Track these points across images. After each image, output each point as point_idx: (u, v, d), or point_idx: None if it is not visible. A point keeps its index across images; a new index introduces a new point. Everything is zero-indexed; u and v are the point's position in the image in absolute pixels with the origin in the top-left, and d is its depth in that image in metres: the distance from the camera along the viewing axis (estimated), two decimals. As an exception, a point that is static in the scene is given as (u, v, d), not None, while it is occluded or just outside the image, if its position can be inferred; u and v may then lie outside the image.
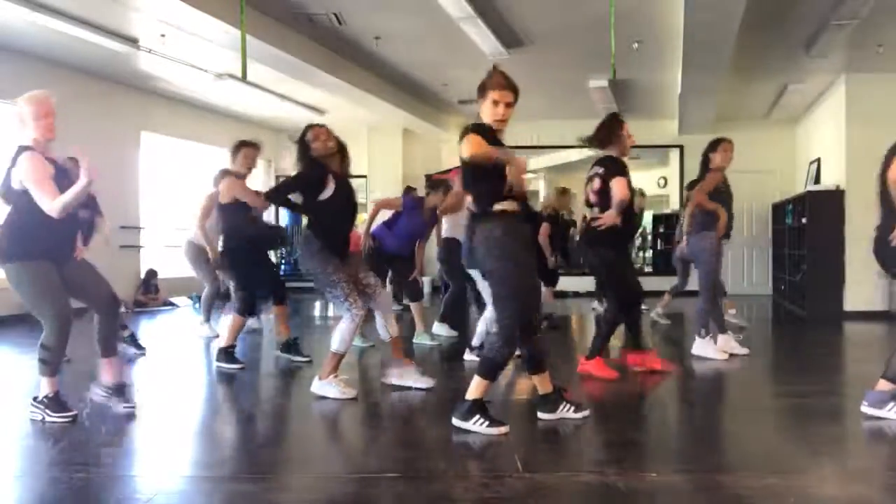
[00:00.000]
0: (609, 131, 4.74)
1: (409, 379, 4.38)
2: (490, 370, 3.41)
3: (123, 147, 9.36)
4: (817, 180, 9.85)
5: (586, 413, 3.62)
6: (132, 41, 7.37)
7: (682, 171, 12.05)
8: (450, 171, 12.21)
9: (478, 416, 3.40)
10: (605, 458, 3.12)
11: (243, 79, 6.15)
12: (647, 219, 12.19)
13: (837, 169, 8.95)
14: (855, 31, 6.69)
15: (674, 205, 12.37)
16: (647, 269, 12.88)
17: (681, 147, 11.97)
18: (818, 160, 10.02)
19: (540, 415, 3.62)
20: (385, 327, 4.36)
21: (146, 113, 9.87)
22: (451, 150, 12.83)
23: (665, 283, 10.90)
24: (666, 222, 12.59)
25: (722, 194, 5.44)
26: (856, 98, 8.69)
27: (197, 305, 9.67)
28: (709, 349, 5.44)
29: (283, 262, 12.85)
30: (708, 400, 3.98)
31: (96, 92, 8.99)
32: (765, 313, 9.27)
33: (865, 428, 3.63)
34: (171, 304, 9.71)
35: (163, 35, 7.12)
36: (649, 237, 13.06)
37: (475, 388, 3.41)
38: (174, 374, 5.10)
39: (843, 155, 8.75)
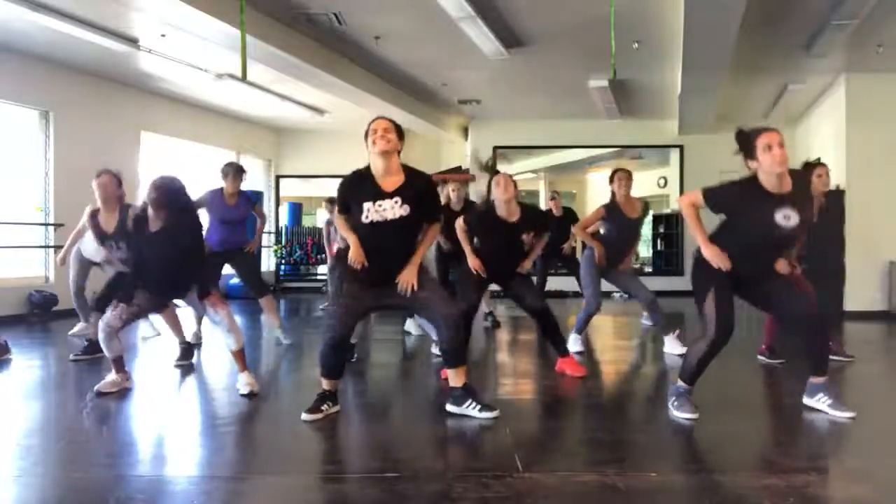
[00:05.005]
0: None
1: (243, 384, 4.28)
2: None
3: (123, 147, 9.36)
4: (817, 180, 9.85)
5: (494, 413, 3.66)
6: (132, 41, 7.37)
7: (681, 171, 12.06)
8: (451, 171, 12.26)
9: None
10: (605, 458, 3.11)
11: (243, 79, 6.14)
12: (646, 219, 12.23)
13: (837, 169, 8.93)
14: (855, 31, 6.69)
15: (674, 205, 12.37)
16: (647, 269, 12.87)
17: (681, 147, 11.98)
18: (818, 160, 10.02)
19: (448, 406, 3.75)
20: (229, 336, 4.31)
21: (146, 113, 9.87)
22: (452, 150, 12.87)
23: (666, 283, 10.94)
24: (666, 223, 12.59)
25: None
26: (856, 98, 8.69)
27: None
28: (676, 346, 5.64)
29: (282, 262, 12.86)
30: (707, 400, 3.97)
31: (96, 92, 8.99)
32: (763, 314, 9.26)
33: (865, 427, 3.63)
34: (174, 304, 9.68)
35: (163, 35, 7.12)
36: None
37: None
38: (173, 374, 5.09)
39: (843, 155, 8.76)
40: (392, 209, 3.54)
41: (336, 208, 3.80)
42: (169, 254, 4.26)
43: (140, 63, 8.30)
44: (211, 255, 5.76)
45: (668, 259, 12.52)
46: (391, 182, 3.58)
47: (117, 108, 9.31)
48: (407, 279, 3.62)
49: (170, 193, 4.24)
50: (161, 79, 9.15)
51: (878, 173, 8.55)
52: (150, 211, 4.27)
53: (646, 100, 10.24)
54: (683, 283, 11.60)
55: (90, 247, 5.81)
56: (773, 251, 3.69)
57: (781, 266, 3.75)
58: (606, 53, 6.57)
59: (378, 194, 3.56)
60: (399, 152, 3.64)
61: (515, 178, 4.74)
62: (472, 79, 9.21)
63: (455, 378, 3.75)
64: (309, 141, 13.07)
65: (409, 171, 3.65)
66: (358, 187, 3.62)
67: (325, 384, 3.79)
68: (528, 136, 12.00)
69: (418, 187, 3.61)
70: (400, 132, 3.61)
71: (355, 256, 3.62)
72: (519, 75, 8.93)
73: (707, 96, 8.92)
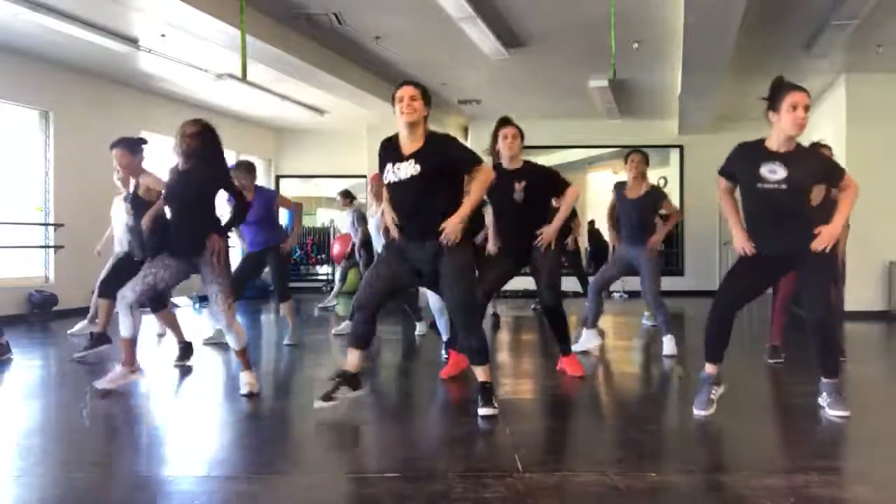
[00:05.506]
0: None
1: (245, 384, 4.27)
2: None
3: (123, 147, 9.35)
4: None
5: (491, 412, 3.64)
6: (132, 41, 7.37)
7: (681, 171, 12.07)
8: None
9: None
10: (605, 458, 3.12)
11: (243, 79, 6.15)
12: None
13: (837, 169, 8.95)
14: (855, 31, 6.69)
15: (673, 204, 12.37)
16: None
17: (681, 147, 11.98)
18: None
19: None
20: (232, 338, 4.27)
21: (146, 113, 9.86)
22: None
23: (666, 283, 10.88)
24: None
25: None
26: (856, 98, 8.69)
27: (197, 305, 9.67)
28: (674, 347, 5.58)
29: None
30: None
31: (96, 92, 8.99)
32: (765, 313, 9.25)
33: (866, 428, 3.63)
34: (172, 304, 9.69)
35: (163, 35, 7.12)
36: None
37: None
38: (173, 374, 5.09)
39: (843, 155, 8.74)
40: (405, 169, 3.63)
41: (377, 169, 3.84)
42: (182, 199, 4.16)
43: (140, 63, 8.29)
44: (247, 256, 5.87)
45: (667, 259, 12.51)
46: (411, 146, 3.67)
47: (117, 108, 9.30)
48: (448, 232, 3.54)
49: (204, 139, 4.10)
50: (161, 79, 9.15)
51: (878, 173, 8.54)
52: (181, 157, 4.16)
53: (646, 100, 10.24)
54: (684, 282, 11.72)
55: (119, 231, 6.10)
56: (776, 211, 3.57)
57: (819, 241, 3.56)
58: (606, 53, 6.57)
59: (398, 157, 3.68)
60: (426, 118, 3.70)
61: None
62: (472, 79, 9.21)
63: (478, 374, 3.76)
64: (309, 141, 13.06)
65: (430, 135, 3.72)
66: (386, 153, 3.75)
67: (348, 360, 3.74)
68: (527, 136, 11.89)
69: (435, 147, 3.66)
70: (427, 97, 3.67)
71: (387, 221, 3.76)
72: (519, 75, 8.93)
73: (707, 96, 8.92)
